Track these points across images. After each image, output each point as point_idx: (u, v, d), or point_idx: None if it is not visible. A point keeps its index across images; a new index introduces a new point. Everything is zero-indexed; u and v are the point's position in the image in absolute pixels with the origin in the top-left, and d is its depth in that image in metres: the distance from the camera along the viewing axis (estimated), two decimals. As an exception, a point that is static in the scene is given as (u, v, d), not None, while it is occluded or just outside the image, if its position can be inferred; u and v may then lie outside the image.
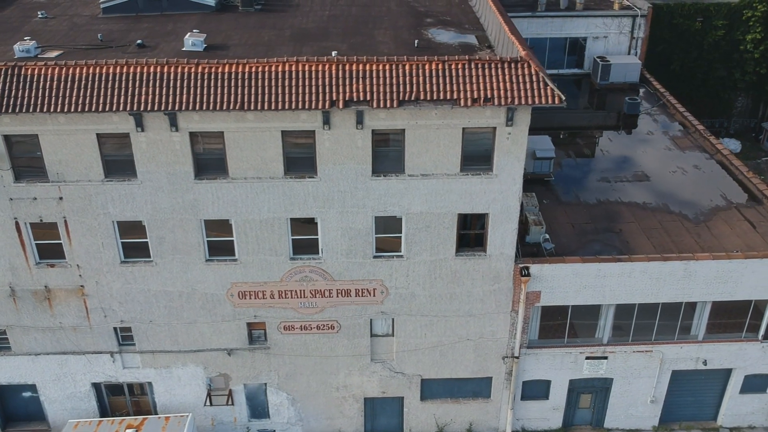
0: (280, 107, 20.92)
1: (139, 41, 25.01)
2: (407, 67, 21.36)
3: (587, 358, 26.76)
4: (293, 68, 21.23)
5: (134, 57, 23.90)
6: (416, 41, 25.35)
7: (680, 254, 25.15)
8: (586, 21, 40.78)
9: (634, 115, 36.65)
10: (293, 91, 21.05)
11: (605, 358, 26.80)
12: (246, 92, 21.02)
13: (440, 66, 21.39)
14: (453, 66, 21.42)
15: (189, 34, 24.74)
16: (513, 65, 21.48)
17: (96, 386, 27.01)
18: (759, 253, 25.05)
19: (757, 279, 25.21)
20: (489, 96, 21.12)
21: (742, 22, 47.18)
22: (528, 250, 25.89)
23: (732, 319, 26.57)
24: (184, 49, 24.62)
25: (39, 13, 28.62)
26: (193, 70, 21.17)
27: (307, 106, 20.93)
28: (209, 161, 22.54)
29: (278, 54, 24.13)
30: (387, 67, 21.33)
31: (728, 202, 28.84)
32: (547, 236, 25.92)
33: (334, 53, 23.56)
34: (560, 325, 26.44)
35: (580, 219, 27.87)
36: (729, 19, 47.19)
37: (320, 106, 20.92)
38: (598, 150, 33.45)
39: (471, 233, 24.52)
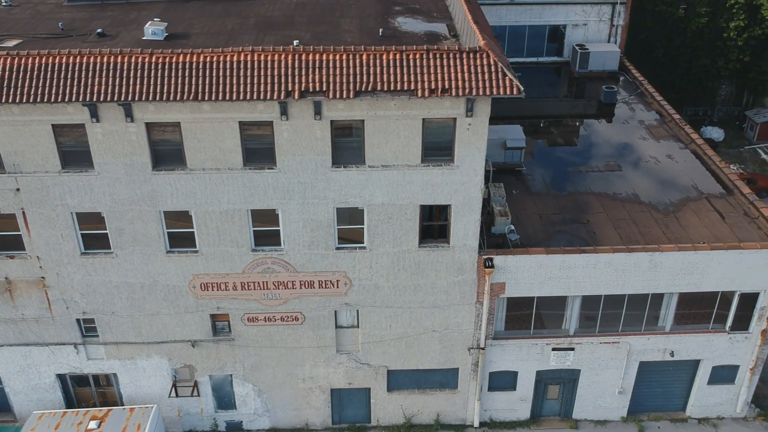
0: (235, 97, 20.66)
1: (99, 30, 24.67)
2: (364, 57, 21.08)
3: (554, 349, 26.66)
4: (249, 58, 20.95)
5: (94, 46, 23.58)
6: (381, 30, 25.02)
7: (646, 245, 25.00)
8: (566, 8, 40.39)
9: (611, 104, 36.38)
10: (248, 81, 20.77)
11: (572, 349, 26.71)
12: (201, 82, 20.75)
13: (398, 56, 21.12)
14: (411, 56, 21.15)
15: (149, 23, 24.40)
16: (471, 55, 21.21)
17: (61, 377, 26.92)
18: (725, 245, 24.90)
19: (723, 270, 25.06)
20: (446, 87, 20.86)
21: (725, 10, 46.80)
22: (494, 241, 25.72)
23: (699, 310, 26.47)
24: (144, 38, 24.28)
25: (3, 1, 28.26)
26: (146, 59, 20.89)
27: (262, 97, 20.67)
28: (167, 152, 22.30)
29: (240, 43, 23.81)
30: (344, 57, 21.06)
31: (699, 193, 28.65)
32: (512, 227, 25.74)
33: (295, 42, 23.21)
34: (527, 316, 26.32)
35: (548, 210, 27.69)
36: (712, 7, 46.81)
37: (276, 97, 20.67)
38: (572, 139, 33.20)
39: (434, 224, 24.34)
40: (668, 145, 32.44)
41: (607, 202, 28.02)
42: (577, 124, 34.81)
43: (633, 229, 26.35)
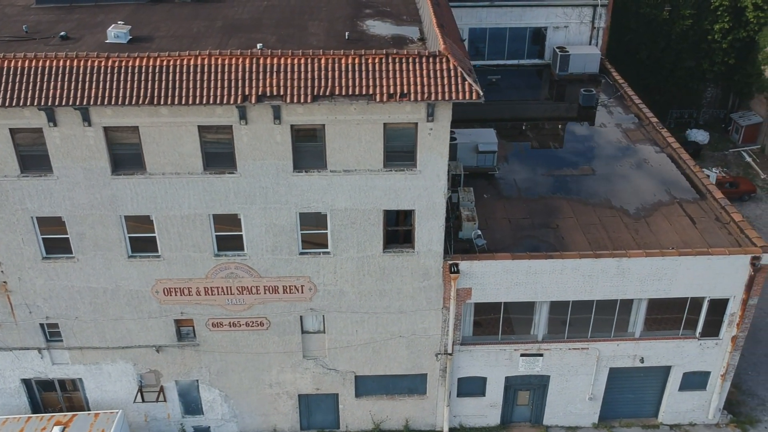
0: (191, 102, 20.46)
1: (62, 33, 24.48)
2: (323, 61, 20.87)
3: (522, 355, 26.45)
4: (206, 62, 20.75)
5: (56, 49, 23.37)
6: (347, 33, 24.81)
7: (613, 251, 24.77)
8: (546, 10, 40.19)
9: (590, 107, 36.15)
10: (205, 85, 20.57)
11: (540, 355, 26.48)
12: (157, 86, 20.55)
13: (356, 60, 20.91)
14: (370, 60, 20.93)
15: (113, 26, 24.20)
16: (431, 60, 21.00)
17: (26, 382, 26.72)
18: (693, 250, 24.68)
19: (691, 276, 24.84)
20: (405, 91, 20.65)
21: (710, 12, 46.57)
22: (461, 246, 25.51)
23: (669, 316, 26.24)
24: (107, 41, 24.09)
25: (-29, 3, 28.10)
26: (103, 63, 20.70)
27: (218, 101, 20.47)
28: (126, 156, 22.10)
29: (203, 46, 23.61)
30: (302, 61, 20.85)
31: (671, 197, 28.43)
32: (479, 232, 25.52)
33: (259, 45, 23.00)
34: (495, 322, 26.11)
35: (518, 214, 27.48)
36: (697, 9, 46.56)
37: (232, 101, 20.46)
38: (548, 143, 32.98)
39: (399, 230, 24.14)
40: (644, 148, 32.21)
41: (578, 207, 27.80)
42: (555, 127, 34.60)
43: (602, 235, 26.13)
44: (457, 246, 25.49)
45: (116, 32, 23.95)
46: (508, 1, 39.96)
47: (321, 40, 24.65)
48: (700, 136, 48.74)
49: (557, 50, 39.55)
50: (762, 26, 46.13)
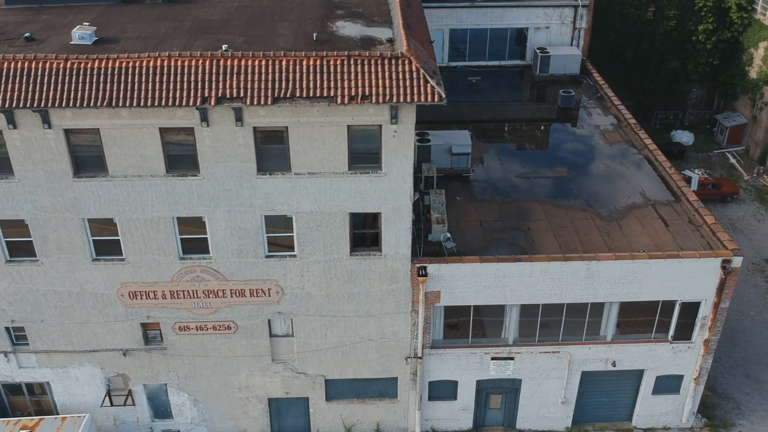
0: (150, 104, 20.25)
1: (27, 34, 24.24)
2: (284, 62, 20.68)
3: (493, 358, 26.25)
4: (165, 63, 20.55)
5: (20, 51, 23.14)
6: (315, 35, 24.58)
7: (583, 254, 24.57)
8: (527, 11, 40.03)
9: (569, 109, 35.97)
10: (164, 87, 20.37)
11: (511, 358, 26.29)
12: (116, 88, 20.34)
13: (318, 62, 20.71)
14: (331, 62, 20.74)
15: (78, 27, 23.94)
16: (393, 61, 20.80)
17: (-6, 386, 26.58)
18: (663, 253, 24.48)
19: (662, 279, 24.65)
20: (367, 93, 20.45)
21: (694, 12, 46.46)
22: (430, 249, 25.31)
23: (641, 318, 26.04)
24: (72, 42, 23.86)
25: (-60, 3, 27.86)
26: (61, 65, 20.49)
27: (177, 103, 20.26)
28: (88, 159, 21.90)
29: (169, 47, 23.31)
30: (262, 62, 20.65)
31: (646, 200, 28.25)
32: (449, 235, 25.31)
33: (224, 47, 22.79)
34: (465, 325, 25.90)
35: (490, 216, 27.28)
36: (681, 9, 46.44)
37: (191, 103, 20.26)
38: (525, 145, 32.78)
39: (366, 232, 23.93)
40: (621, 150, 32.03)
41: (551, 209, 27.60)
42: (533, 128, 34.41)
43: (573, 237, 25.94)
44: (426, 249, 25.30)
45: (81, 33, 23.69)
46: (488, 2, 39.83)
47: (289, 41, 24.40)
48: (684, 137, 48.59)
49: (537, 51, 39.39)
50: (746, 27, 46.03)
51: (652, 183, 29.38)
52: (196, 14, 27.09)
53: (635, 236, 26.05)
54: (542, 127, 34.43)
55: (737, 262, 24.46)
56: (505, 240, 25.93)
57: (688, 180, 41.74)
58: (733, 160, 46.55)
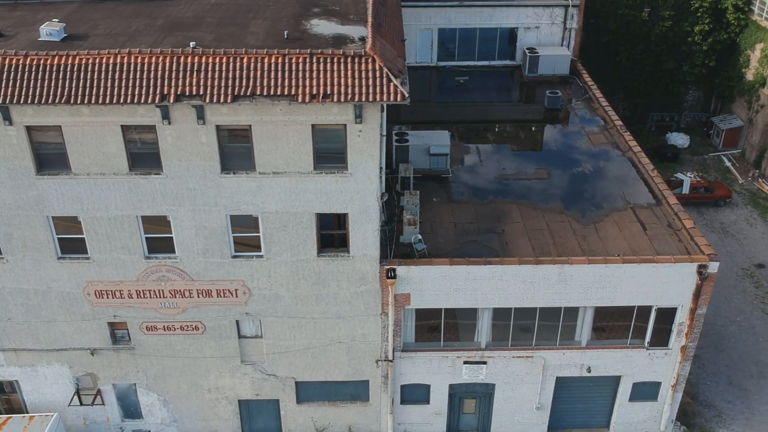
0: (108, 101, 20.01)
1: (-5, 30, 24.13)
2: (245, 60, 20.38)
3: (465, 362, 25.84)
4: (125, 60, 20.30)
5: (-13, 46, 23.05)
6: (286, 33, 24.28)
7: (555, 258, 24.12)
8: (517, 11, 39.57)
9: (555, 110, 35.49)
10: (123, 84, 20.12)
11: (484, 363, 25.87)
12: (75, 85, 20.11)
13: (279, 60, 20.40)
14: (293, 60, 20.42)
15: (47, 23, 23.78)
16: (357, 60, 20.45)
17: (-37, 384, 26.45)
18: (637, 258, 23.99)
19: (637, 284, 24.16)
20: (328, 92, 20.12)
21: (690, 13, 45.83)
22: (401, 251, 24.94)
23: (617, 324, 25.56)
24: (40, 39, 23.68)
25: None
26: (21, 62, 20.28)
27: (136, 100, 20.00)
28: (50, 156, 21.69)
29: (137, 44, 23.08)
30: (223, 60, 20.36)
31: (626, 203, 27.74)
32: (420, 236, 24.93)
33: (192, 44, 22.52)
34: (437, 328, 25.51)
35: (465, 218, 26.87)
36: (677, 10, 45.81)
37: (150, 100, 20.00)
38: (508, 145, 32.32)
39: (334, 233, 23.59)
40: (605, 152, 31.53)
41: (528, 212, 27.16)
42: (517, 129, 33.95)
43: (548, 240, 25.49)
44: (398, 250, 24.95)
45: (49, 30, 23.49)
46: (477, 2, 39.40)
47: (259, 39, 24.10)
48: (680, 139, 47.93)
49: (527, 51, 38.92)
50: (743, 28, 45.34)
51: (634, 186, 28.87)
52: (170, 11, 26.85)
53: (611, 240, 25.57)
54: (527, 128, 33.96)
55: (713, 267, 23.94)
56: (478, 242, 25.51)
57: (680, 183, 41.15)
58: (728, 163, 45.85)
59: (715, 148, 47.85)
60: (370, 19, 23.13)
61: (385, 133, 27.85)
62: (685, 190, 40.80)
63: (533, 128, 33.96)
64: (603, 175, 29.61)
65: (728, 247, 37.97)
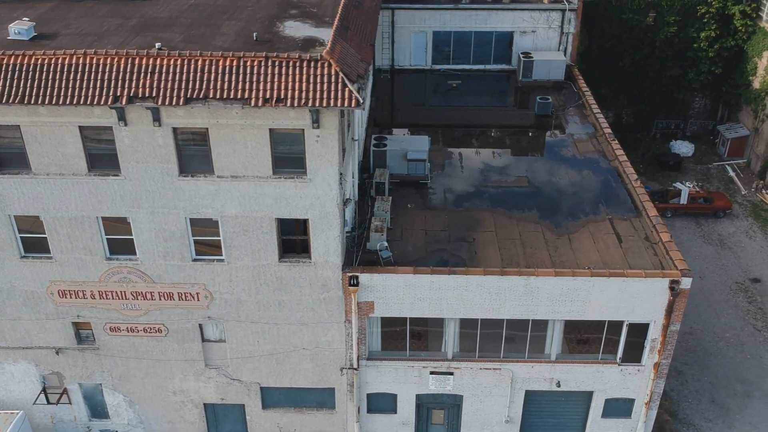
0: (62, 102, 19.92)
1: (-34, 28, 24.20)
2: (199, 62, 20.15)
3: (432, 372, 25.37)
4: (80, 61, 20.19)
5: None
6: (255, 35, 24.01)
7: (522, 269, 23.54)
8: (512, 14, 38.93)
9: (546, 116, 34.81)
10: (77, 85, 20.00)
11: (451, 373, 25.37)
12: (29, 85, 20.05)
13: (234, 62, 20.14)
14: (248, 63, 20.14)
15: (16, 22, 23.79)
16: (312, 64, 20.11)
17: (-68, 379, 26.62)
18: (606, 271, 23.32)
19: (606, 298, 23.50)
20: (282, 96, 19.81)
21: (696, 19, 44.74)
22: (368, 258, 24.54)
23: (589, 339, 24.91)
24: (9, 38, 23.70)
25: None
26: (-22, 60, 20.29)
27: (89, 101, 19.89)
28: (11, 155, 21.67)
29: (103, 45, 22.93)
30: (177, 62, 20.16)
31: (605, 213, 27.04)
32: (386, 244, 24.51)
33: (158, 45, 22.35)
34: (403, 337, 25.07)
35: (437, 226, 26.39)
36: (682, 16, 44.75)
37: (103, 102, 19.87)
38: (491, 152, 31.72)
39: (296, 239, 23.28)
40: (591, 160, 30.82)
41: (502, 220, 26.59)
42: (504, 135, 33.35)
43: (518, 251, 24.91)
44: (364, 257, 24.55)
45: (17, 29, 23.44)
46: (472, 5, 38.84)
47: (228, 40, 23.84)
48: (684, 147, 46.85)
49: (521, 56, 38.24)
50: (750, 35, 44.15)
51: (616, 196, 28.14)
52: (146, 12, 26.70)
53: (584, 252, 24.91)
54: (514, 134, 33.36)
55: (686, 283, 23.18)
56: (447, 251, 25.02)
57: (678, 193, 40.16)
58: (732, 173, 44.65)
59: (720, 157, 46.68)
60: (335, 23, 22.78)
61: (358, 137, 27.66)
62: (683, 200, 39.81)
63: (523, 134, 33.34)
64: (585, 184, 28.92)
65: (724, 259, 36.94)
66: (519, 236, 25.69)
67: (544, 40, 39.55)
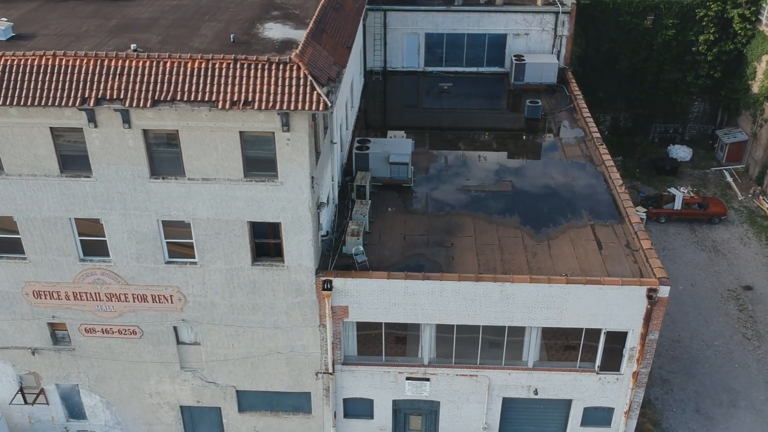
0: (31, 103, 19.88)
1: (-56, 28, 24.24)
2: (168, 64, 20.04)
3: (408, 378, 25.14)
4: (49, 62, 20.14)
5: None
6: (233, 36, 23.88)
7: (497, 275, 23.28)
8: (505, 17, 38.66)
9: (535, 119, 34.48)
10: (46, 86, 19.97)
11: (427, 379, 25.14)
12: (-1, 86, 20.06)
13: (203, 65, 20.01)
14: (217, 65, 20.02)
15: (-6, 22, 23.85)
16: (281, 67, 19.96)
17: None
18: (582, 279, 23.00)
19: (583, 306, 23.18)
20: (249, 99, 19.66)
21: (695, 22, 44.21)
22: (344, 262, 24.35)
23: (567, 346, 24.59)
24: (-13, 37, 23.76)
25: None
26: (-53, 61, 20.29)
27: (57, 103, 19.85)
28: (-18, 156, 21.73)
29: (80, 46, 22.90)
30: (146, 64, 20.06)
31: (587, 219, 26.70)
32: (361, 248, 24.30)
33: (133, 47, 22.28)
34: (379, 342, 24.86)
35: (416, 230, 26.16)
36: (681, 19, 44.22)
37: (71, 103, 19.81)
38: (478, 155, 31.41)
39: (269, 242, 23.13)
40: (578, 165, 30.48)
41: (482, 225, 26.33)
42: (492, 139, 33.05)
43: (496, 256, 24.64)
44: (340, 261, 24.37)
45: (-6, 29, 23.55)
46: (465, 7, 38.57)
47: (205, 42, 23.72)
48: (681, 152, 46.31)
49: (513, 58, 37.93)
50: (750, 39, 43.56)
51: (600, 202, 27.80)
52: (128, 12, 26.66)
53: (563, 258, 24.60)
54: (502, 138, 33.04)
55: (664, 291, 22.83)
56: (424, 256, 24.78)
57: (672, 198, 39.68)
58: (729, 179, 44.07)
59: (719, 162, 46.09)
60: (310, 25, 22.62)
61: (338, 140, 27.46)
62: (677, 206, 39.32)
63: (511, 138, 33.02)
64: (569, 190, 28.58)
65: (716, 266, 36.44)
66: (498, 242, 25.42)
67: (538, 43, 39.23)
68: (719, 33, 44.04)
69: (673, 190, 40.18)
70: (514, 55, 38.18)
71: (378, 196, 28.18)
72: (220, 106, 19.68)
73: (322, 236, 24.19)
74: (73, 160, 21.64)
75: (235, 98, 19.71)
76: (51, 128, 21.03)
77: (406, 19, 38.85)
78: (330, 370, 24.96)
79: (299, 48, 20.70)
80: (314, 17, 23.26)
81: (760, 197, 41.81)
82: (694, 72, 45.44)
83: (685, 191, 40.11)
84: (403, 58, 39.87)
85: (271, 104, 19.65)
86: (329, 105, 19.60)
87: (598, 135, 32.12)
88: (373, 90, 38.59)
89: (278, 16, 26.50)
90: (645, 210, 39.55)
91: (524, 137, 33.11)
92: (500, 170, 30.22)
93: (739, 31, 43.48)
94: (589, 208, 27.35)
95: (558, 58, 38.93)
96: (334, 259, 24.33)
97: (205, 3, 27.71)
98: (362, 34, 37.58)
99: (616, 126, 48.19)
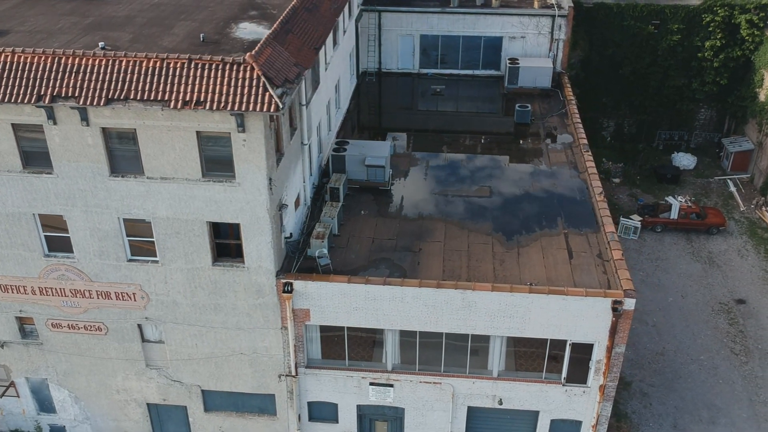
0: (-12, 99, 20.06)
1: None
2: (123, 63, 20.05)
3: (371, 383, 24.89)
4: (8, 59, 20.28)
5: None
6: (203, 35, 23.85)
7: (458, 282, 22.90)
8: (501, 19, 38.17)
9: (524, 124, 33.96)
10: (3, 83, 20.09)
11: (391, 385, 24.85)
12: (-44, 82, 20.26)
13: (157, 64, 19.98)
14: (171, 65, 19.97)
15: (-34, 18, 24.15)
16: (235, 67, 19.84)
17: None
18: (545, 289, 22.52)
19: (547, 316, 22.70)
20: (201, 99, 19.59)
21: (701, 27, 43.18)
22: (309, 264, 24.19)
23: (533, 356, 24.12)
24: (-41, 34, 24.04)
25: None
26: None
27: (14, 99, 19.96)
28: (-53, 150, 21.98)
29: (50, 43, 23.11)
30: (102, 62, 20.09)
31: (561, 228, 26.17)
32: (325, 251, 24.11)
33: (101, 45, 22.38)
34: (342, 346, 24.65)
35: (386, 234, 25.90)
36: (686, 24, 43.21)
37: (27, 100, 19.93)
38: (460, 159, 31.02)
39: (230, 243, 23.05)
40: (561, 171, 29.94)
41: (454, 231, 25.96)
42: (477, 143, 32.62)
43: (462, 263, 24.27)
44: (306, 264, 24.21)
45: (-33, 25, 23.82)
46: (460, 9, 38.15)
47: (175, 41, 23.72)
48: (685, 160, 45.28)
49: (507, 62, 37.42)
50: (758, 45, 42.41)
51: (578, 210, 27.24)
52: (105, 10, 26.77)
53: (530, 267, 24.13)
54: (488, 142, 32.60)
55: (630, 304, 22.26)
56: (389, 260, 24.51)
57: (669, 207, 38.80)
58: (733, 188, 42.95)
59: (724, 171, 44.98)
60: (275, 25, 22.48)
61: (310, 142, 27.24)
62: (674, 215, 38.43)
63: (497, 142, 32.56)
64: (548, 196, 28.07)
65: (710, 278, 35.53)
66: (467, 248, 25.04)
67: (534, 47, 38.67)
68: (726, 39, 42.95)
69: (670, 199, 39.29)
70: (509, 59, 37.68)
71: (353, 199, 27.98)
72: (172, 106, 19.63)
73: (286, 238, 24.05)
74: (35, 156, 21.79)
75: (188, 98, 19.64)
76: (12, 124, 21.20)
77: (400, 20, 38.58)
78: (293, 373, 24.81)
79: (256, 48, 20.57)
80: (281, 18, 23.11)
81: (763, 208, 40.66)
82: (699, 78, 44.38)
83: (683, 200, 39.18)
84: (398, 59, 39.60)
85: (222, 104, 19.55)
86: (281, 106, 19.43)
87: (585, 141, 31.49)
88: (366, 91, 38.38)
89: (255, 16, 26.41)
90: (640, 219, 38.76)
91: (511, 142, 32.62)
92: (480, 175, 29.81)
93: (747, 38, 42.35)
94: (566, 216, 26.82)
95: (554, 62, 38.33)
96: (298, 261, 24.19)
97: (186, 2, 27.73)
98: (355, 34, 37.41)
99: (620, 132, 47.31)
